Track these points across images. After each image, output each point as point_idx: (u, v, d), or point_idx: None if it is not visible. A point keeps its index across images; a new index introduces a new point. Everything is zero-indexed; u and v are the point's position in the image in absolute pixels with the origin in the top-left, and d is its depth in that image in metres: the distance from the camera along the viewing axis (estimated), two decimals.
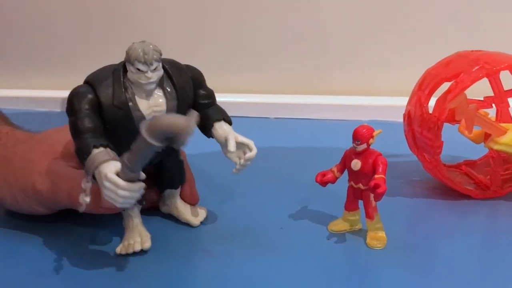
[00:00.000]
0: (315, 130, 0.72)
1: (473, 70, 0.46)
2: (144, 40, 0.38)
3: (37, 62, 0.88)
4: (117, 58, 0.40)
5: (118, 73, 0.38)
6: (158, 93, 0.40)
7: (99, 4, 0.83)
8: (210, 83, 0.44)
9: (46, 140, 0.46)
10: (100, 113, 0.38)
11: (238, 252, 0.41)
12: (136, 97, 0.39)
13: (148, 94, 0.39)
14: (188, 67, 0.42)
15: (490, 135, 0.47)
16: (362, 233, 0.44)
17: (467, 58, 0.48)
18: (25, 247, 0.42)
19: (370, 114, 0.73)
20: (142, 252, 0.41)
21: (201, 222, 0.46)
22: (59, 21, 0.85)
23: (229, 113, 0.43)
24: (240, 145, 0.41)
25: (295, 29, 0.79)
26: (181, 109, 0.40)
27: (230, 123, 0.42)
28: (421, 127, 0.48)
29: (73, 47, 0.86)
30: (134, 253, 0.41)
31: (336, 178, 0.43)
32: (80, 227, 0.45)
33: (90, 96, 0.38)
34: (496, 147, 0.47)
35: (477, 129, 0.48)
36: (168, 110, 0.40)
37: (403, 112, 0.52)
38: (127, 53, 0.37)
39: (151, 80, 0.38)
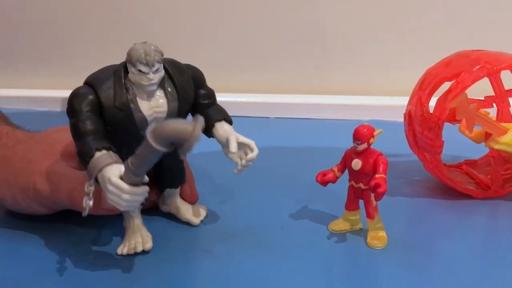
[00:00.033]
0: (316, 130, 0.72)
1: (474, 69, 0.46)
2: (146, 41, 0.38)
3: (37, 61, 0.88)
4: (117, 58, 0.40)
5: (119, 74, 0.38)
6: (159, 93, 0.39)
7: (99, 4, 0.83)
8: (210, 82, 0.44)
9: (46, 140, 0.46)
10: (101, 114, 0.38)
11: (238, 251, 0.41)
12: (138, 98, 0.39)
13: (149, 95, 0.39)
14: (189, 67, 0.42)
15: (490, 134, 0.47)
16: (362, 232, 0.44)
17: (467, 58, 0.48)
18: (25, 247, 0.42)
19: (370, 114, 0.73)
20: (143, 252, 0.41)
21: (201, 221, 0.46)
22: (59, 20, 0.85)
23: (230, 113, 0.43)
24: (241, 146, 0.41)
25: (296, 29, 0.79)
26: (182, 110, 0.40)
27: (230, 123, 0.42)
28: (421, 126, 0.48)
29: (73, 46, 0.86)
30: (135, 253, 0.41)
31: (337, 177, 0.43)
32: (81, 227, 0.45)
33: (91, 97, 0.37)
34: (496, 146, 0.47)
35: (477, 129, 0.48)
36: (170, 110, 0.40)
37: (404, 111, 0.52)
38: (129, 54, 0.37)
39: (152, 82, 0.38)
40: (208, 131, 0.42)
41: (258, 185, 0.53)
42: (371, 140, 0.40)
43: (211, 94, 0.43)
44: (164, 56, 0.39)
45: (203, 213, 0.46)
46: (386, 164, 0.40)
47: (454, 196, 0.50)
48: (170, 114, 0.40)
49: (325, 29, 0.79)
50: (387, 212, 0.43)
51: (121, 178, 0.35)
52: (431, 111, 0.47)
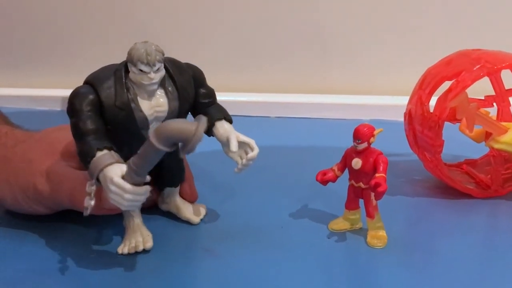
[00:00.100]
0: (316, 129, 0.72)
1: (474, 69, 0.46)
2: (147, 41, 0.38)
3: (37, 61, 0.88)
4: (117, 57, 0.40)
5: (119, 73, 0.38)
6: (160, 93, 0.39)
7: (100, 3, 0.83)
8: (211, 82, 0.44)
9: (46, 139, 0.46)
10: (102, 114, 0.38)
11: (238, 251, 0.41)
12: (138, 98, 0.39)
13: (150, 95, 0.39)
14: (189, 66, 0.42)
15: (491, 134, 0.47)
16: (362, 232, 0.44)
17: (468, 57, 0.48)
18: (26, 247, 0.42)
19: (370, 113, 0.73)
20: (144, 251, 0.41)
21: (201, 220, 0.46)
22: (60, 20, 0.85)
23: (230, 112, 0.43)
24: (241, 145, 0.41)
25: (296, 29, 0.79)
26: (183, 109, 0.40)
27: (230, 121, 0.42)
28: (422, 126, 0.48)
29: (74, 46, 0.86)
30: (136, 253, 0.41)
31: (337, 177, 0.43)
32: (81, 226, 0.45)
33: (91, 96, 0.37)
34: (497, 146, 0.47)
35: (478, 128, 0.48)
36: (170, 110, 0.40)
37: (404, 111, 0.52)
38: (130, 53, 0.37)
39: (153, 81, 0.38)
40: (208, 130, 0.42)
41: (258, 184, 0.53)
42: (371, 139, 0.40)
43: (211, 93, 0.43)
44: (165, 55, 0.39)
45: (202, 212, 0.46)
46: (386, 163, 0.40)
47: (454, 195, 0.50)
48: (171, 114, 0.40)
49: (325, 28, 0.79)
50: (387, 211, 0.43)
51: (123, 177, 0.35)
52: (432, 110, 0.47)
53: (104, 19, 0.84)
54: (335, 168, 0.43)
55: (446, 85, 0.47)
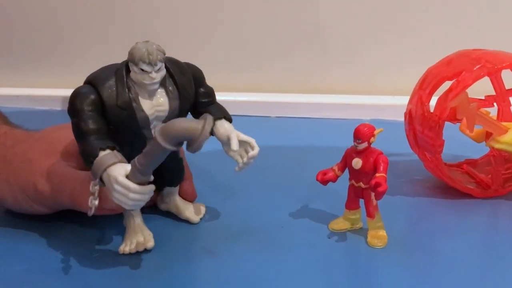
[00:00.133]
0: (316, 129, 0.72)
1: (475, 68, 0.46)
2: (148, 40, 0.38)
3: (37, 60, 0.88)
4: (118, 57, 0.40)
5: (120, 73, 0.38)
6: (161, 92, 0.39)
7: (100, 3, 0.83)
8: (211, 82, 0.44)
9: (46, 139, 0.45)
10: (103, 113, 0.38)
11: (238, 250, 0.41)
12: (139, 97, 0.39)
13: (151, 94, 0.39)
14: (189, 65, 0.42)
15: (491, 134, 0.47)
16: (363, 232, 0.43)
17: (468, 57, 0.48)
18: (26, 246, 0.42)
19: (371, 113, 0.73)
20: (145, 250, 0.41)
21: (201, 219, 0.46)
22: (60, 19, 0.85)
23: (230, 112, 0.43)
24: (242, 143, 0.41)
25: (296, 28, 0.79)
26: (183, 108, 0.41)
27: (230, 121, 0.42)
28: (422, 126, 0.48)
29: (74, 45, 0.86)
30: (137, 252, 0.41)
31: (337, 176, 0.43)
32: (81, 226, 0.45)
33: (92, 96, 0.37)
34: (497, 146, 0.47)
35: (478, 128, 0.48)
36: (171, 109, 0.40)
37: (404, 111, 0.52)
38: (131, 53, 0.37)
39: (155, 81, 0.38)
40: None
41: (259, 184, 0.53)
42: (372, 139, 0.40)
43: (210, 93, 0.43)
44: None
45: (202, 211, 0.47)
46: (387, 163, 0.40)
47: (454, 195, 0.50)
48: (172, 113, 0.40)
49: (326, 28, 0.79)
50: (387, 211, 0.43)
51: (127, 177, 0.35)
52: (432, 110, 0.47)
53: (104, 19, 0.84)
54: (336, 168, 0.43)
55: (447, 85, 0.47)
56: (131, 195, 0.34)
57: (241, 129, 0.42)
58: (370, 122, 0.41)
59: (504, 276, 0.38)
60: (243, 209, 0.48)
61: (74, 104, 0.37)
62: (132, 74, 0.38)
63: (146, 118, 0.39)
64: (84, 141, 0.37)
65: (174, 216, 0.46)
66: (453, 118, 0.47)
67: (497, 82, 0.50)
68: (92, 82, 0.38)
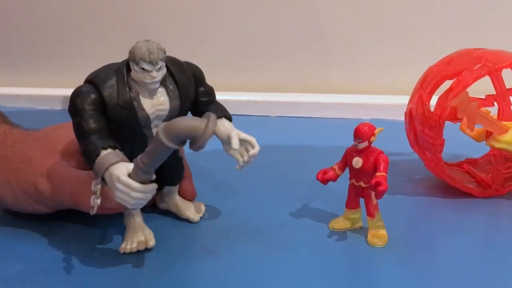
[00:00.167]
0: (316, 129, 0.72)
1: (475, 68, 0.46)
2: (148, 39, 0.38)
3: (37, 60, 0.88)
4: (118, 56, 0.40)
5: (121, 72, 0.38)
6: (161, 91, 0.39)
7: (100, 2, 0.83)
8: (211, 81, 0.44)
9: (45, 138, 0.45)
10: (104, 112, 0.38)
11: (238, 250, 0.41)
12: (140, 96, 0.39)
13: (152, 93, 0.39)
14: (189, 65, 0.42)
15: (491, 133, 0.47)
16: (363, 231, 0.43)
17: (469, 56, 0.48)
18: (26, 246, 0.42)
19: (371, 113, 0.73)
20: (145, 249, 0.41)
21: (201, 218, 0.46)
22: (60, 18, 0.85)
23: (230, 112, 0.43)
24: (242, 142, 0.41)
25: (296, 28, 0.79)
26: (184, 107, 0.41)
27: (230, 119, 0.42)
28: (422, 125, 0.48)
29: (74, 45, 0.86)
30: (136, 251, 0.41)
31: (337, 176, 0.43)
32: (81, 225, 0.45)
33: (93, 95, 0.37)
34: (497, 145, 0.47)
35: (478, 128, 0.48)
36: (171, 108, 0.40)
37: (405, 110, 0.52)
38: (132, 52, 0.37)
39: (156, 80, 0.38)
40: None
41: (259, 184, 0.53)
42: (372, 138, 0.40)
43: (210, 92, 0.43)
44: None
45: (202, 210, 0.47)
46: (387, 162, 0.40)
47: (454, 194, 0.50)
48: (172, 112, 0.40)
49: (326, 27, 0.79)
50: (387, 210, 0.43)
51: (129, 176, 0.35)
52: (432, 109, 0.47)
53: (104, 18, 0.84)
54: (336, 167, 0.43)
55: (447, 84, 0.47)
56: (134, 194, 0.34)
57: (241, 129, 0.42)
58: (371, 122, 0.41)
59: (504, 275, 0.38)
60: (243, 208, 0.48)
61: (75, 103, 0.37)
62: (133, 73, 0.38)
63: (147, 117, 0.39)
64: (86, 141, 0.37)
65: (174, 215, 0.46)
66: (454, 118, 0.47)
67: (497, 81, 0.50)
68: (93, 81, 0.38)
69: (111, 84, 0.38)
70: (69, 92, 0.38)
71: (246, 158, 0.41)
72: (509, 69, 0.47)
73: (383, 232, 0.42)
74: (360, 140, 0.40)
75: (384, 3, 0.76)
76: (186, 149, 0.48)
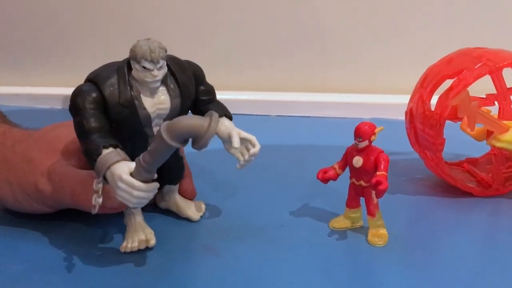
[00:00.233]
0: (317, 128, 0.72)
1: (476, 67, 0.46)
2: (149, 38, 0.38)
3: (38, 59, 0.88)
4: (118, 55, 0.40)
5: (122, 70, 0.38)
6: (162, 90, 0.39)
7: (100, 2, 0.83)
8: (211, 80, 0.44)
9: (45, 138, 0.45)
10: (105, 111, 0.38)
11: (239, 249, 0.41)
12: (141, 95, 0.38)
13: (153, 92, 0.39)
14: (189, 63, 0.42)
15: (492, 132, 0.47)
16: (363, 230, 0.43)
17: (469, 55, 0.48)
18: (27, 245, 0.42)
19: (371, 112, 0.73)
20: (146, 248, 0.41)
21: (201, 217, 0.46)
22: (60, 17, 0.85)
23: (230, 111, 0.43)
24: (243, 141, 0.41)
25: (297, 27, 0.79)
26: (184, 106, 0.40)
27: (231, 118, 0.42)
28: (423, 124, 0.48)
29: (74, 44, 0.86)
30: (138, 250, 0.41)
31: (338, 175, 0.43)
32: (81, 224, 0.45)
33: (94, 94, 0.37)
34: (498, 144, 0.47)
35: (479, 127, 0.48)
36: (172, 107, 0.40)
37: (405, 109, 0.52)
38: (133, 51, 0.37)
39: (157, 78, 0.38)
40: None
41: (259, 183, 0.53)
42: (372, 137, 0.40)
43: (211, 90, 0.43)
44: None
45: (202, 208, 0.47)
46: (387, 161, 0.40)
47: (455, 194, 0.50)
48: (173, 111, 0.40)
49: (326, 27, 0.79)
50: (388, 209, 0.43)
51: (131, 175, 0.35)
52: (433, 108, 0.47)
53: (104, 18, 0.84)
54: (336, 166, 0.43)
55: (448, 83, 0.47)
56: (136, 193, 0.34)
57: (241, 128, 0.42)
58: (371, 121, 0.41)
59: (504, 274, 0.38)
60: (243, 207, 0.48)
61: (76, 102, 0.37)
62: (134, 72, 0.38)
63: (148, 116, 0.39)
64: (87, 140, 0.36)
65: (174, 214, 0.46)
66: (454, 117, 0.47)
67: (498, 80, 0.50)
68: (94, 80, 0.38)
69: (112, 83, 0.38)
70: (69, 91, 0.38)
71: (247, 157, 0.41)
72: (509, 68, 0.47)
73: (383, 231, 0.42)
74: (360, 139, 0.40)
75: (384, 3, 0.76)
76: (185, 148, 0.48)
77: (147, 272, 0.39)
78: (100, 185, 0.36)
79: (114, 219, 0.43)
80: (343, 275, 0.39)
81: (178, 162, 0.45)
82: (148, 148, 0.34)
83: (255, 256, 0.40)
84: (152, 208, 0.47)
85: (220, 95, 0.44)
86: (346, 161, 0.42)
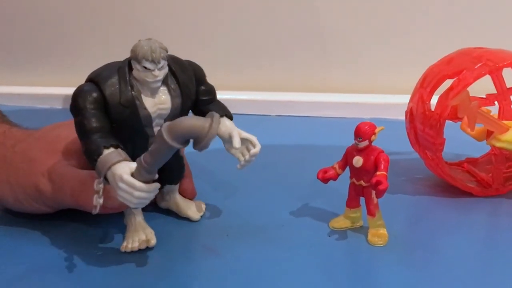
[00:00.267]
0: (317, 128, 0.72)
1: (476, 67, 0.46)
2: (150, 38, 0.38)
3: (38, 59, 0.88)
4: (118, 55, 0.40)
5: (123, 70, 0.38)
6: (163, 90, 0.39)
7: (100, 2, 0.83)
8: (211, 80, 0.44)
9: (46, 138, 0.45)
10: (106, 111, 0.37)
11: (239, 248, 0.41)
12: (142, 95, 0.38)
13: (153, 92, 0.39)
14: (190, 63, 0.42)
15: (492, 132, 0.47)
16: (363, 230, 0.43)
17: (469, 55, 0.48)
18: (27, 245, 0.42)
19: (371, 112, 0.72)
20: (146, 248, 0.41)
21: (201, 217, 0.46)
22: (60, 17, 0.85)
23: (231, 111, 0.43)
24: (243, 141, 0.41)
25: (297, 27, 0.79)
26: (185, 106, 0.40)
27: (231, 118, 0.42)
28: (423, 124, 0.48)
29: (74, 44, 0.86)
30: (138, 250, 0.41)
31: (338, 175, 0.43)
32: (82, 224, 0.45)
33: (95, 94, 0.37)
34: (498, 144, 0.47)
35: (479, 127, 0.48)
36: (173, 107, 0.40)
37: (405, 109, 0.52)
38: (134, 51, 0.37)
39: (158, 78, 0.38)
40: None
41: (259, 183, 0.53)
42: (373, 137, 0.40)
43: (211, 90, 0.43)
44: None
45: (202, 208, 0.47)
46: (387, 161, 0.40)
47: (455, 194, 0.50)
48: (174, 111, 0.40)
49: (326, 27, 0.79)
50: (388, 209, 0.43)
51: (132, 175, 0.35)
52: (433, 108, 0.47)
53: (104, 18, 0.84)
54: (336, 166, 0.43)
55: (448, 83, 0.47)
56: (137, 193, 0.34)
57: (241, 128, 0.42)
58: (371, 121, 0.41)
59: (504, 274, 0.38)
60: (243, 207, 0.48)
61: (76, 102, 0.37)
62: (134, 72, 0.38)
63: (148, 116, 0.39)
64: (88, 140, 0.36)
65: (174, 214, 0.46)
66: (454, 117, 0.47)
67: (498, 80, 0.50)
68: (95, 80, 0.38)
69: (113, 82, 0.37)
70: (69, 91, 0.38)
71: (247, 157, 0.41)
72: (509, 68, 0.47)
73: (383, 231, 0.42)
74: (360, 139, 0.40)
75: (384, 3, 0.76)
76: (186, 148, 0.48)
77: (147, 272, 0.39)
78: (101, 186, 0.36)
79: (114, 219, 0.43)
80: (343, 275, 0.39)
81: (178, 162, 0.45)
82: (149, 148, 0.34)
83: (255, 256, 0.40)
84: (152, 208, 0.47)
85: (220, 95, 0.44)
86: (346, 161, 0.42)
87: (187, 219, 0.46)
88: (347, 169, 0.42)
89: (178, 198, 0.46)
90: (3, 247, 0.42)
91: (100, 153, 0.36)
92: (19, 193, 0.43)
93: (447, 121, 0.46)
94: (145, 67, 0.37)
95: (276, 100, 0.78)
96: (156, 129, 0.39)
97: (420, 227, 0.45)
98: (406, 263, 0.40)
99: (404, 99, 0.53)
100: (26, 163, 0.43)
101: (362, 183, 0.42)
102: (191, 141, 0.33)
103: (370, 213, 0.42)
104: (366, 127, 0.40)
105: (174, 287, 0.38)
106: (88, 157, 0.36)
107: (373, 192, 0.41)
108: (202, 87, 0.42)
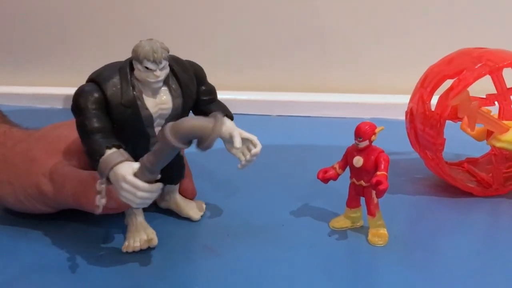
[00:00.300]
0: (317, 128, 0.72)
1: (476, 67, 0.46)
2: (152, 38, 0.38)
3: (38, 58, 0.88)
4: (119, 55, 0.40)
5: (124, 70, 0.38)
6: (164, 90, 0.39)
7: (100, 2, 0.83)
8: (211, 81, 0.44)
9: (46, 138, 0.45)
10: (108, 111, 0.37)
11: (239, 248, 0.41)
12: (143, 95, 0.38)
13: (155, 92, 0.39)
14: (191, 63, 0.42)
15: (492, 132, 0.47)
16: (363, 230, 0.44)
17: (470, 55, 0.48)
18: (27, 245, 0.42)
19: (372, 112, 0.72)
20: (147, 248, 0.41)
21: (201, 217, 0.46)
22: (61, 17, 0.85)
23: (231, 111, 0.43)
24: (244, 141, 0.41)
25: (296, 27, 0.79)
26: (186, 106, 0.40)
27: (232, 118, 0.42)
28: (423, 124, 0.48)
29: (75, 43, 0.86)
30: (139, 250, 0.41)
31: (338, 175, 0.43)
32: (82, 224, 0.45)
33: (96, 94, 0.37)
34: (498, 144, 0.47)
35: (479, 127, 0.48)
36: (174, 107, 0.40)
37: (405, 109, 0.52)
38: (135, 51, 0.37)
39: (159, 79, 0.38)
40: None
41: (259, 182, 0.53)
42: (373, 137, 0.40)
43: (212, 90, 0.43)
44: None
45: (202, 208, 0.47)
46: (388, 161, 0.40)
47: (455, 193, 0.50)
48: (175, 111, 0.40)
49: (326, 27, 0.79)
50: (388, 209, 0.43)
51: (135, 175, 0.35)
52: (433, 108, 0.47)
53: (104, 18, 0.84)
54: (336, 166, 0.43)
55: (448, 83, 0.47)
56: (139, 193, 0.34)
57: (241, 128, 0.42)
58: (371, 121, 0.41)
59: (504, 274, 0.38)
60: (244, 207, 0.48)
61: (78, 102, 0.37)
62: (136, 72, 0.38)
63: (150, 116, 0.39)
64: (89, 140, 0.36)
65: (174, 214, 0.46)
66: (454, 117, 0.47)
67: (498, 80, 0.50)
68: (96, 80, 0.38)
69: (114, 83, 0.37)
70: (70, 90, 0.38)
71: (248, 157, 0.41)
72: (510, 68, 0.47)
73: (383, 231, 0.42)
74: (361, 139, 0.40)
75: (384, 3, 0.76)
76: (187, 149, 0.48)
77: (147, 272, 0.39)
78: (104, 186, 0.36)
79: (115, 219, 0.43)
80: (343, 275, 0.39)
81: (179, 162, 0.45)
82: (152, 149, 0.34)
83: (255, 256, 0.40)
84: (153, 208, 0.47)
85: (220, 95, 0.44)
86: (346, 161, 0.42)
87: (187, 219, 0.46)
88: (347, 169, 0.42)
89: (178, 198, 0.46)
90: (3, 247, 0.42)
91: (102, 154, 0.35)
92: (19, 193, 0.43)
93: (447, 121, 0.46)
94: (147, 67, 0.37)
95: (276, 100, 0.78)
96: (157, 129, 0.39)
97: (420, 227, 0.45)
98: (406, 263, 0.40)
99: (404, 99, 0.53)
100: (26, 163, 0.43)
101: (362, 183, 0.42)
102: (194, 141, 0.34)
103: (370, 213, 0.42)
104: (366, 127, 0.40)
105: (174, 287, 0.38)
106: (90, 157, 0.36)
107: (373, 192, 0.41)
108: (203, 87, 0.42)
